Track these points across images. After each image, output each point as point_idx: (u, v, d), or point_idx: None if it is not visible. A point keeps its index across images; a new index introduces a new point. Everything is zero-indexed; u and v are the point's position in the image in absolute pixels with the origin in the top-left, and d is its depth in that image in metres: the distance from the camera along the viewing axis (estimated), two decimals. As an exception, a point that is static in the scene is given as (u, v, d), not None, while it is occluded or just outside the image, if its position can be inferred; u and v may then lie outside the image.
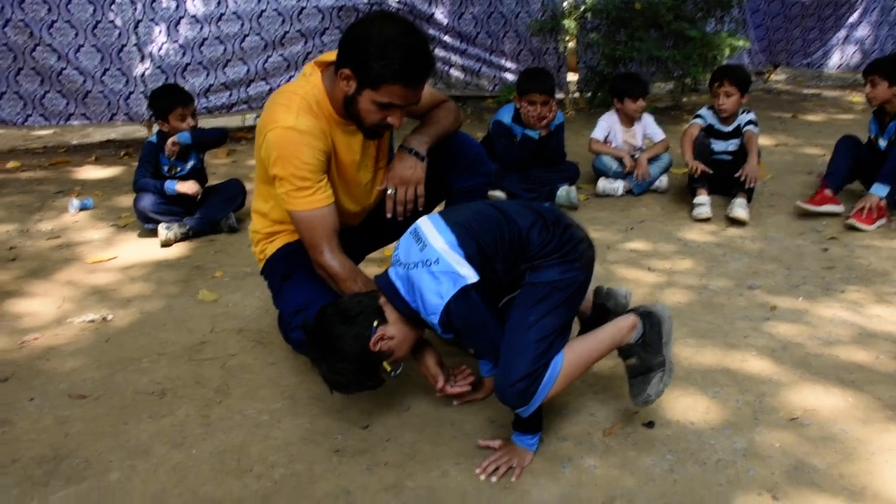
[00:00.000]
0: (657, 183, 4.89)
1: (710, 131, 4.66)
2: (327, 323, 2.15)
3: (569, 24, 6.91)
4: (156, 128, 4.34)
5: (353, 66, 2.29)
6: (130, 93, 6.10)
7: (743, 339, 2.89)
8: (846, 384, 2.55)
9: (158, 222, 4.10)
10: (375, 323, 2.14)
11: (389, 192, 2.56)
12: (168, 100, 4.22)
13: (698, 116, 4.70)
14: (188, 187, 4.12)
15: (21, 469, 2.25)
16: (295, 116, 2.35)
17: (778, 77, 9.44)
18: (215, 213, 4.24)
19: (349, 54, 2.28)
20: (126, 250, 4.04)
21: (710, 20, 7.11)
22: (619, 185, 4.84)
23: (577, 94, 7.91)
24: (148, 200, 4.11)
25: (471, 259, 2.07)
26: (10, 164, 5.90)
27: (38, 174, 5.67)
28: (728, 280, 3.45)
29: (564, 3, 7.33)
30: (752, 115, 4.64)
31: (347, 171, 2.54)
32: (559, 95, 7.29)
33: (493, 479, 2.12)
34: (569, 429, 2.35)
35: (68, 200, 4.80)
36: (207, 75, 6.18)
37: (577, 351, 2.17)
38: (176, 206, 4.18)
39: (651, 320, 2.27)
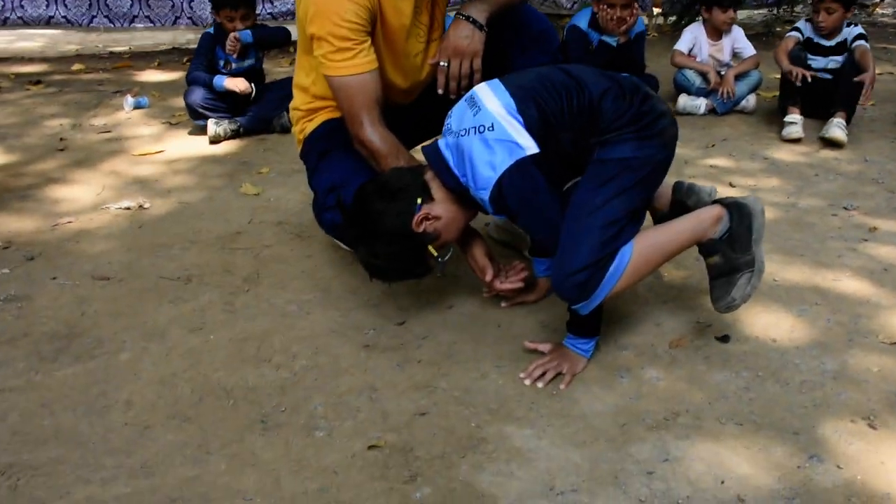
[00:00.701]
0: (743, 103, 4.44)
1: (808, 45, 4.17)
2: (366, 199, 1.89)
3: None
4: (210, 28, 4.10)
5: None
6: (195, -5, 5.88)
7: (836, 258, 2.52)
8: (960, 310, 2.19)
9: (208, 118, 3.88)
10: (420, 200, 1.87)
11: (442, 64, 2.26)
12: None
13: (795, 29, 4.23)
14: (237, 84, 3.88)
15: (31, 343, 2.09)
16: None
17: (885, 10, 8.67)
18: (267, 111, 3.99)
19: None
20: (174, 145, 3.85)
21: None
22: (701, 103, 4.42)
23: (660, 19, 7.38)
24: (198, 94, 3.89)
25: (531, 127, 1.77)
26: (75, 67, 5.77)
27: (100, 76, 5.52)
28: (820, 199, 3.06)
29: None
30: (860, 29, 4.14)
31: (396, 38, 2.24)
32: (642, 18, 6.79)
33: (540, 384, 1.85)
34: (630, 338, 2.05)
35: (124, 98, 4.62)
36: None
37: (650, 242, 1.85)
38: (225, 103, 3.95)
39: (740, 213, 1.92)
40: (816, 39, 4.16)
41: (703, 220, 1.94)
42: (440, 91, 2.28)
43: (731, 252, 1.91)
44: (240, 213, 2.94)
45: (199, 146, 3.82)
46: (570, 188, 1.91)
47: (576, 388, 1.85)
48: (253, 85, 3.96)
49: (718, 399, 1.79)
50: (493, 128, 1.77)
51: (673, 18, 7.12)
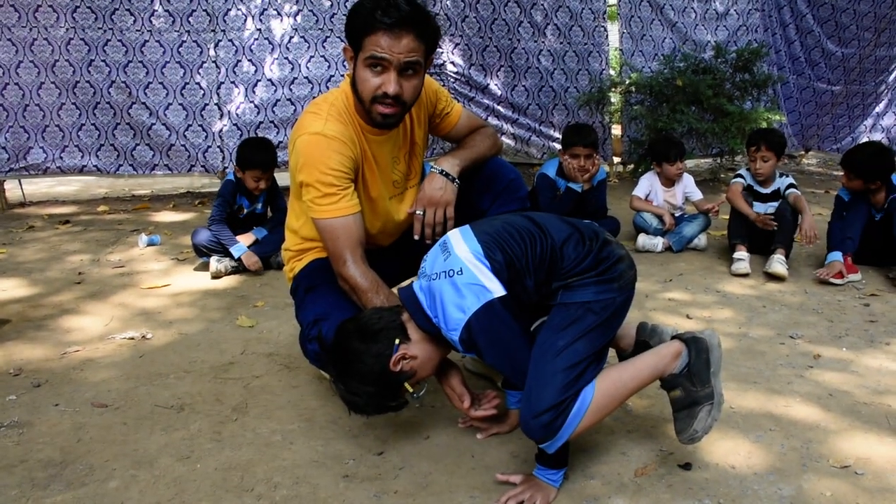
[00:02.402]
0: (696, 241, 4.46)
1: (749, 192, 4.24)
2: (346, 339, 1.79)
3: (614, 96, 6.59)
4: (230, 170, 4.13)
5: (348, 37, 2.03)
6: (209, 147, 5.95)
7: (786, 384, 2.44)
8: (904, 435, 2.09)
9: (211, 256, 3.84)
10: (397, 341, 1.78)
11: (418, 213, 2.23)
12: (252, 156, 3.96)
13: (739, 176, 4.30)
14: (248, 260, 3.85)
15: (26, 470, 1.95)
16: (323, 122, 2.06)
17: (809, 161, 8.92)
18: (265, 249, 3.96)
19: (345, 28, 2.04)
20: (180, 280, 3.78)
21: (748, 100, 6.71)
22: (658, 242, 4.43)
23: (620, 167, 7.55)
24: (203, 235, 3.88)
25: (498, 272, 1.71)
26: (100, 208, 5.78)
27: (120, 216, 5.52)
28: (769, 329, 3.00)
29: (610, 80, 7.03)
30: (790, 179, 4.24)
31: (375, 185, 2.22)
32: (604, 167, 6.92)
33: (516, 516, 1.71)
34: (597, 467, 1.93)
35: (139, 237, 4.59)
36: (278, 132, 6.01)
37: (612, 381, 1.76)
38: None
39: (698, 347, 1.85)
40: (756, 187, 4.23)
41: (664, 357, 1.86)
42: (416, 237, 2.24)
43: (691, 386, 1.83)
44: (234, 345, 2.84)
45: (202, 281, 3.76)
46: (537, 328, 1.84)
47: (546, 518, 1.71)
48: (261, 266, 3.90)
49: (683, 529, 1.66)
50: (461, 272, 1.71)
51: (631, 167, 7.28)
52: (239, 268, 3.88)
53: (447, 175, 2.24)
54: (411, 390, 1.81)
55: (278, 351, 2.77)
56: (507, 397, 2.11)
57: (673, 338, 1.93)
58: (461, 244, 1.77)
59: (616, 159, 7.50)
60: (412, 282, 1.87)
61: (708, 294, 3.53)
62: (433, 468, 1.93)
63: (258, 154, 3.94)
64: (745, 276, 3.82)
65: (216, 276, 3.78)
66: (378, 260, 2.22)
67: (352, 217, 2.07)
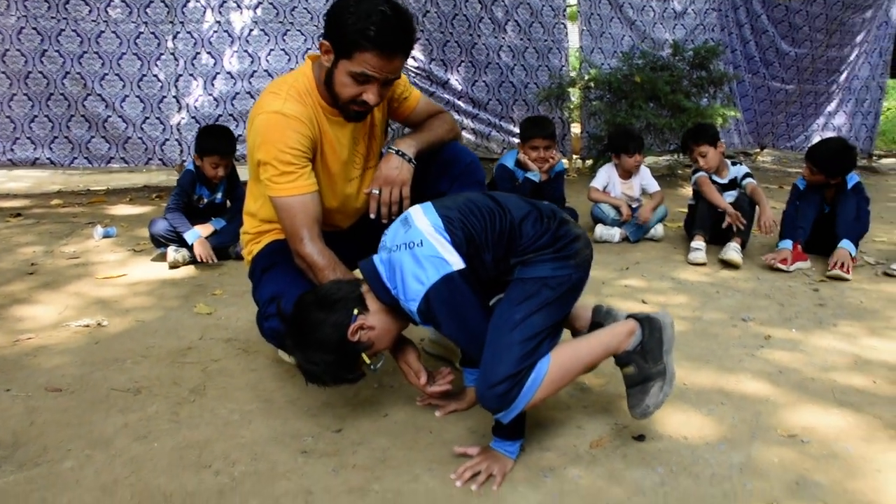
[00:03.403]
0: (653, 231, 4.55)
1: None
2: (305, 309, 1.81)
3: (573, 91, 6.68)
4: (189, 163, 4.08)
5: (330, 36, 2.02)
6: (166, 140, 5.89)
7: (738, 363, 2.51)
8: (845, 405, 2.18)
9: (169, 245, 3.80)
10: (356, 311, 1.80)
11: (374, 191, 2.24)
12: (211, 143, 3.92)
13: (697, 171, 4.35)
14: (201, 250, 3.77)
15: (-24, 453, 1.91)
16: (282, 102, 2.07)
17: (764, 158, 9.14)
18: (223, 239, 3.94)
19: (328, 25, 2.02)
20: (136, 270, 3.74)
21: (704, 96, 6.86)
22: (615, 232, 4.51)
23: (579, 163, 7.64)
24: (160, 225, 3.84)
25: (458, 246, 1.74)
26: (53, 202, 5.67)
27: (75, 210, 5.42)
28: (721, 313, 3.08)
29: (571, 75, 7.12)
30: (745, 168, 4.33)
31: (333, 166, 2.23)
32: (562, 161, 6.99)
33: (474, 486, 1.74)
34: (553, 441, 1.97)
35: (94, 229, 4.52)
36: (237, 126, 5.97)
37: (567, 355, 1.80)
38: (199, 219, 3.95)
39: (651, 326, 1.90)
40: (714, 178, 4.31)
41: (618, 334, 1.90)
42: (372, 215, 2.25)
43: (644, 362, 1.88)
44: (192, 331, 2.82)
45: (159, 271, 3.72)
46: (494, 304, 1.87)
47: (502, 487, 1.74)
48: (213, 257, 3.82)
49: (636, 494, 1.71)
50: (422, 244, 1.73)
51: (590, 162, 7.38)
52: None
53: (403, 155, 2.26)
54: (368, 361, 1.83)
55: (237, 336, 2.76)
56: (465, 375, 2.14)
57: (627, 317, 1.98)
58: (422, 217, 1.79)
59: (575, 156, 7.59)
60: (372, 255, 1.88)
61: (663, 281, 3.60)
62: (391, 444, 1.95)
63: (216, 140, 3.92)
64: (701, 265, 3.90)
65: (174, 266, 3.75)
66: (337, 242, 2.23)
67: (309, 195, 2.08)
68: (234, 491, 1.74)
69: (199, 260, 3.74)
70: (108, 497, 1.72)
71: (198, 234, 3.82)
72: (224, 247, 3.93)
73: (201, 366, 2.48)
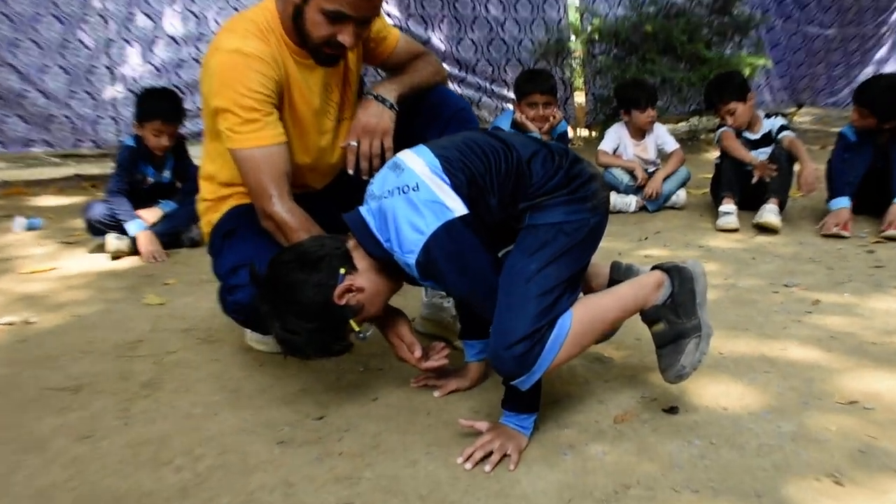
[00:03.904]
0: (674, 198, 4.59)
1: (740, 138, 4.33)
2: (283, 269, 1.80)
3: (575, 45, 6.71)
4: (128, 137, 4.07)
5: None
6: (99, 118, 5.87)
7: (782, 329, 2.53)
8: (914, 369, 2.19)
9: (109, 233, 3.80)
10: (342, 270, 1.80)
11: (351, 144, 2.25)
12: (153, 106, 3.91)
13: (723, 125, 4.38)
14: (146, 244, 3.77)
15: None
16: (241, 39, 2.06)
17: (802, 118, 9.19)
18: (175, 225, 3.94)
19: None
20: (70, 263, 3.73)
21: (728, 45, 6.91)
22: (631, 200, 4.54)
23: (585, 130, 7.68)
24: (98, 209, 3.83)
25: (459, 189, 1.75)
26: (-35, 196, 5.64)
27: (-9, 203, 5.39)
28: (760, 279, 3.11)
29: (571, 27, 7.15)
30: (782, 120, 4.35)
31: (304, 115, 2.22)
32: (568, 131, 7.00)
33: (487, 467, 1.74)
34: (571, 417, 1.98)
35: (13, 220, 4.49)
36: (185, 99, 5.92)
37: (591, 309, 1.82)
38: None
39: (681, 277, 1.93)
40: (744, 134, 4.34)
41: (645, 286, 1.93)
42: (350, 171, 2.26)
43: (676, 318, 1.90)
44: (141, 323, 2.82)
45: (98, 263, 3.72)
46: (502, 258, 1.88)
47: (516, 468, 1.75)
48: (164, 255, 3.81)
49: (671, 468, 1.72)
50: (417, 188, 1.73)
51: (598, 125, 7.39)
52: (144, 245, 3.84)
53: (383, 101, 2.26)
54: (357, 329, 1.83)
55: (196, 326, 2.77)
56: (467, 349, 2.15)
57: (653, 268, 2.00)
58: (415, 159, 1.80)
59: (581, 132, 7.62)
60: (357, 206, 1.88)
61: (689, 249, 3.63)
62: (382, 428, 1.95)
63: (158, 102, 3.91)
64: (732, 231, 3.93)
65: (116, 257, 3.74)
66: (310, 206, 2.23)
67: (276, 147, 2.07)
68: (199, 487, 1.73)
69: (147, 261, 3.73)
70: (47, 502, 1.71)
71: (142, 225, 3.82)
72: (176, 232, 3.94)
73: (154, 359, 2.48)
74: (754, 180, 4.05)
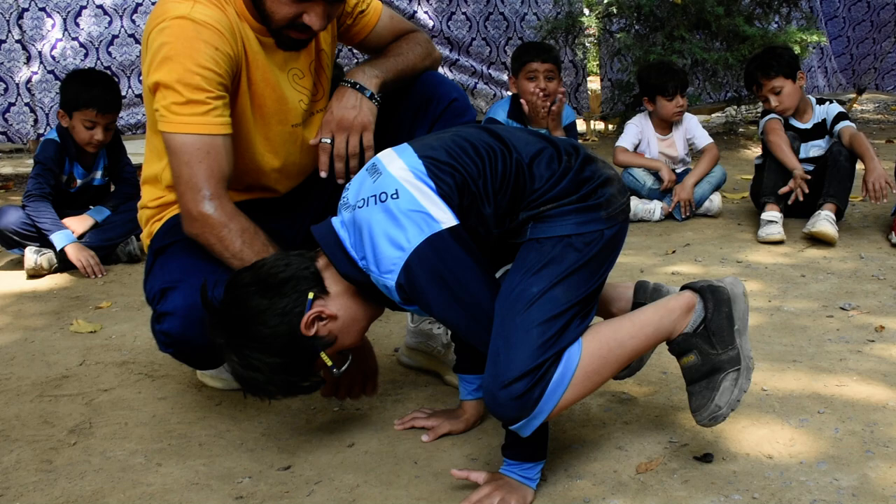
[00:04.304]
0: (706, 205, 4.63)
1: (788, 130, 4.34)
2: (241, 293, 1.82)
3: (589, 20, 6.76)
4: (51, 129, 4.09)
5: None
6: (10, 105, 5.87)
7: (838, 361, 2.57)
8: None
9: (26, 245, 3.83)
10: (311, 295, 1.82)
11: (324, 141, 2.27)
12: (85, 92, 3.90)
13: (769, 112, 4.40)
14: (80, 257, 3.78)
15: None
16: (190, 5, 2.06)
17: (864, 105, 9.26)
18: (109, 236, 3.97)
19: None
20: (-21, 282, 3.74)
21: (773, 19, 6.96)
22: (655, 207, 4.58)
23: (600, 124, 7.74)
24: (13, 218, 3.83)
25: (447, 196, 1.76)
26: None
27: None
28: (811, 301, 3.15)
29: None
30: (838, 107, 4.38)
31: (267, 103, 2.24)
32: (579, 123, 7.05)
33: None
34: (585, 466, 2.00)
35: None
36: (119, 83, 5.95)
37: (604, 340, 1.82)
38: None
39: (716, 297, 1.93)
40: (792, 122, 4.37)
41: (671, 311, 1.93)
42: (322, 173, 2.27)
43: (710, 348, 1.90)
44: (67, 355, 2.84)
45: (13, 282, 3.74)
46: (501, 278, 1.90)
47: (520, 528, 1.78)
48: (103, 269, 3.84)
49: (706, 528, 1.75)
50: (397, 195, 1.74)
51: (614, 126, 7.43)
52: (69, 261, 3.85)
53: (362, 89, 2.29)
54: (330, 363, 1.85)
55: (135, 358, 2.79)
56: (461, 385, 2.17)
57: (683, 288, 2.02)
58: (396, 161, 1.82)
59: (594, 122, 7.66)
60: (329, 217, 1.91)
61: (726, 265, 3.68)
62: (361, 480, 1.97)
63: (91, 87, 3.92)
64: (777, 242, 3.99)
65: (35, 275, 3.77)
66: (273, 215, 2.26)
67: (221, 139, 2.08)
68: (141, 552, 1.75)
69: (84, 273, 3.75)
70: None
71: (71, 237, 3.84)
72: (111, 246, 3.97)
73: (85, 398, 2.50)
74: (782, 190, 4.09)
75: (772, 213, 4.10)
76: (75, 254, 3.76)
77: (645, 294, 2.09)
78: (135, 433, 2.27)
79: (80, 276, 3.79)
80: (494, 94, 7.19)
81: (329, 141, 2.26)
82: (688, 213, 4.55)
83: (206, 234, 2.06)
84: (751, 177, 4.66)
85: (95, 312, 3.28)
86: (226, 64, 2.08)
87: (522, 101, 4.36)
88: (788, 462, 1.99)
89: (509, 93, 4.65)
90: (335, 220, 1.88)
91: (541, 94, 4.30)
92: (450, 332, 2.46)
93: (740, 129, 7.51)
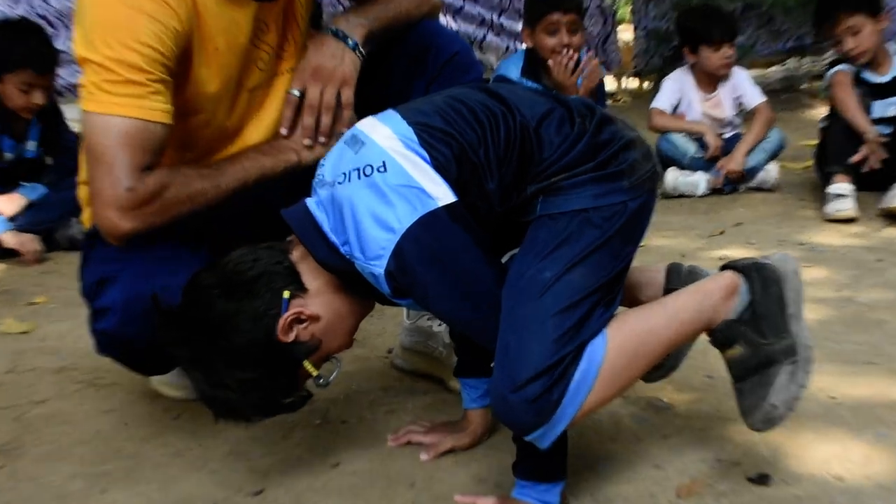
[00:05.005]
0: (761, 176, 4.61)
1: (859, 84, 4.31)
2: (203, 297, 1.80)
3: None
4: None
5: None
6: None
7: (923, 364, 2.55)
8: None
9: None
10: (286, 294, 1.80)
11: (293, 93, 2.23)
12: (16, 48, 3.90)
13: (839, 62, 4.38)
14: (15, 240, 3.80)
15: None
16: None
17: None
18: (44, 218, 3.96)
19: None
20: None
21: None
22: (699, 180, 4.57)
23: (633, 80, 7.72)
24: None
25: (443, 169, 1.74)
26: None
27: None
28: (889, 291, 3.15)
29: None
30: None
31: (227, 60, 2.19)
32: (608, 81, 7.03)
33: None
34: (615, 487, 1.98)
35: None
36: (56, 37, 5.92)
37: (633, 330, 1.80)
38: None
39: (764, 278, 1.90)
40: (867, 77, 4.34)
41: (711, 293, 1.90)
42: (282, 130, 2.23)
43: (759, 337, 1.87)
44: (-5, 360, 2.85)
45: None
46: (506, 264, 1.88)
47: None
48: (43, 244, 3.87)
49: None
50: (384, 168, 1.72)
51: (650, 83, 7.40)
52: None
53: (345, 38, 2.25)
54: (315, 374, 1.84)
55: (76, 363, 2.80)
56: (465, 392, 2.16)
57: (724, 267, 1.99)
58: (381, 129, 1.80)
59: (626, 78, 7.64)
60: (304, 199, 1.88)
61: (785, 248, 3.65)
62: (349, 504, 1.97)
63: (23, 43, 3.90)
64: (848, 220, 3.97)
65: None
66: (233, 201, 2.21)
67: (158, 128, 2.02)
68: None
69: (28, 260, 3.74)
70: None
71: (6, 225, 3.85)
72: (48, 228, 3.98)
73: (14, 412, 2.50)
74: (854, 158, 4.06)
75: (841, 186, 4.08)
76: (14, 239, 3.76)
77: (679, 279, 2.07)
78: (74, 453, 2.26)
79: (13, 266, 3.78)
80: (507, 48, 7.19)
81: (298, 93, 2.23)
82: (737, 177, 4.50)
83: (145, 215, 2.02)
84: (815, 142, 4.63)
85: (28, 309, 3.29)
86: (172, 41, 2.03)
87: (550, 62, 4.31)
88: (862, 485, 1.96)
89: (524, 45, 4.61)
90: (310, 201, 1.86)
91: (563, 50, 4.26)
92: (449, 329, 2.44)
93: (803, 86, 7.47)
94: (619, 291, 1.85)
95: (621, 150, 1.83)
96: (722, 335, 1.90)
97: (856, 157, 4.06)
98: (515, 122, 1.81)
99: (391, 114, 1.85)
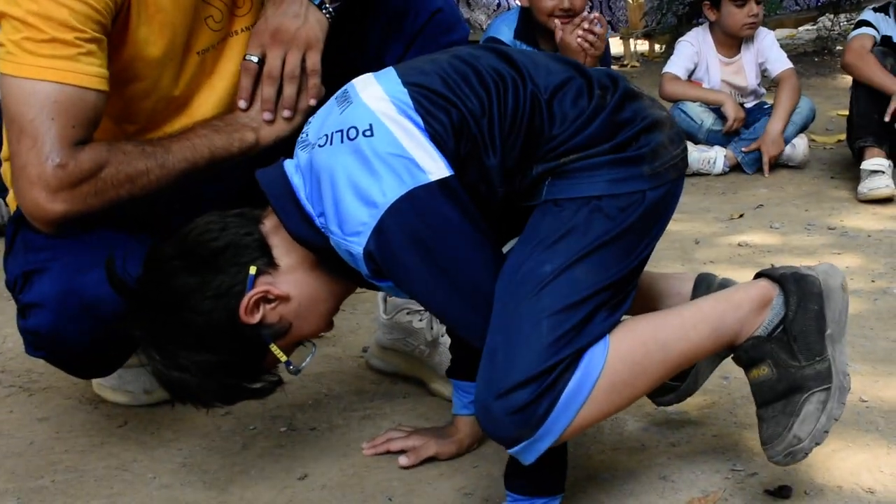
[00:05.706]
0: (787, 150, 4.61)
1: (888, 46, 4.34)
2: (162, 271, 1.82)
3: None
4: None
5: None
6: None
7: (967, 364, 2.60)
8: None
9: None
10: (253, 269, 1.81)
11: (249, 58, 2.24)
12: None
13: (864, 24, 4.41)
14: None
15: None
16: None
17: None
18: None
19: None
20: None
21: None
22: (717, 155, 4.57)
23: (643, 42, 7.74)
24: None
25: (439, 139, 1.74)
26: None
27: None
28: (929, 281, 3.18)
29: None
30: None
31: (173, 18, 2.18)
32: (614, 44, 7.04)
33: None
34: (620, 501, 2.02)
35: None
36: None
37: (640, 339, 1.81)
38: None
39: (803, 291, 1.89)
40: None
41: (739, 304, 1.90)
42: (241, 103, 2.24)
43: (790, 358, 1.87)
44: None
45: None
46: (505, 254, 1.89)
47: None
48: None
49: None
50: (371, 131, 1.73)
51: (662, 46, 7.41)
52: None
53: None
54: (284, 359, 1.86)
55: (6, 366, 2.82)
56: (455, 395, 2.18)
57: (758, 276, 2.00)
58: (372, 86, 1.81)
59: (634, 39, 7.65)
60: (283, 160, 1.89)
61: (813, 233, 3.70)
62: (317, 523, 2.00)
63: None
64: (885, 200, 4.01)
65: None
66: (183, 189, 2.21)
67: (95, 95, 2.02)
68: None
69: None
70: None
71: None
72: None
73: (-69, 422, 2.51)
74: (886, 116, 4.08)
75: (876, 162, 4.09)
76: None
77: (705, 287, 2.07)
78: (4, 467, 2.28)
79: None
80: (499, 5, 7.17)
81: (256, 59, 2.23)
82: (773, 159, 4.54)
83: (79, 196, 2.02)
84: (847, 114, 4.63)
85: (-53, 305, 3.28)
86: None
87: (555, 25, 4.23)
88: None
89: (517, 3, 4.57)
90: (288, 163, 1.86)
91: (561, 11, 4.23)
92: (436, 326, 2.48)
93: (837, 48, 7.48)
94: (628, 294, 1.84)
95: (644, 132, 1.83)
96: (747, 353, 1.90)
97: (888, 113, 4.05)
98: (526, 92, 1.80)
99: (388, 72, 1.85)
